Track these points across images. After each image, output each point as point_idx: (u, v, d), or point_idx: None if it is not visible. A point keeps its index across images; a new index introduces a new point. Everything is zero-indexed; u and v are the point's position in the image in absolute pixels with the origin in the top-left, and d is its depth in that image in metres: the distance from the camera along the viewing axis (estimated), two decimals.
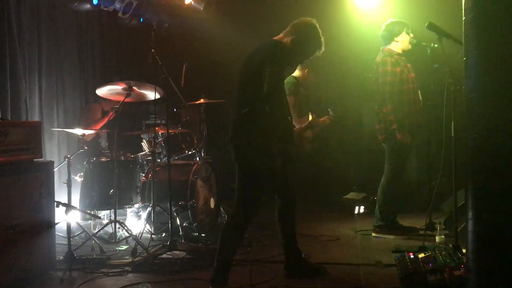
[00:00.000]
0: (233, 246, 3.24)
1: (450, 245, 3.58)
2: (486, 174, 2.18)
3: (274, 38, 3.38)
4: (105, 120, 5.52)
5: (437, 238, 4.29)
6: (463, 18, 2.27)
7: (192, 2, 6.44)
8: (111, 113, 5.45)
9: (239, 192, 3.21)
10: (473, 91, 2.16)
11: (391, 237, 4.66)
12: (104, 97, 5.00)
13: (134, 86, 4.73)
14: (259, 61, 3.16)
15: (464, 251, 3.18)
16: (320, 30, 3.41)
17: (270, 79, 3.04)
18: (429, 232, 4.48)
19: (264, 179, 3.18)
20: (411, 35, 4.71)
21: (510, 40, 2.05)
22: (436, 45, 4.45)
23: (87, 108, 5.93)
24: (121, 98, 4.72)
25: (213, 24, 6.74)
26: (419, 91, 4.73)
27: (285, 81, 5.82)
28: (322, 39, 3.41)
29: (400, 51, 4.73)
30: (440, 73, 4.29)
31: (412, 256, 3.47)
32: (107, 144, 5.66)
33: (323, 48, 3.44)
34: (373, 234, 4.77)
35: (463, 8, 2.28)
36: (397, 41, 4.71)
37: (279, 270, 3.64)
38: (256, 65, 3.17)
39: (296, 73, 5.45)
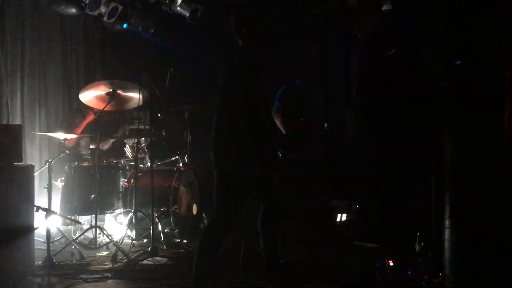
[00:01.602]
0: (211, 253, 3.24)
1: (429, 253, 3.62)
2: (462, 185, 2.23)
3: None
4: (84, 123, 5.43)
5: (417, 247, 4.33)
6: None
7: (178, 8, 6.44)
8: (91, 115, 5.37)
9: (217, 199, 3.24)
10: (450, 101, 2.21)
11: (372, 245, 4.70)
12: (87, 103, 4.96)
13: (118, 88, 4.71)
14: (227, 72, 3.25)
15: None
16: (246, 9, 3.38)
17: (244, 87, 3.08)
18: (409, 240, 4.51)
19: (240, 187, 3.20)
20: None
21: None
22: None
23: (67, 115, 5.86)
24: (104, 104, 4.69)
25: (198, 31, 6.76)
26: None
27: None
28: (254, 13, 3.38)
29: None
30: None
31: (392, 264, 3.50)
32: (88, 152, 5.58)
33: (262, 19, 3.41)
34: (355, 242, 4.80)
35: None
36: None
37: (260, 278, 3.64)
38: (225, 76, 3.26)
39: None
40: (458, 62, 2.11)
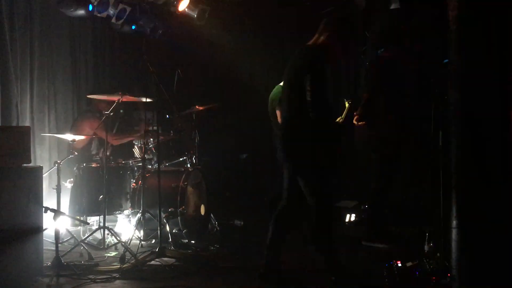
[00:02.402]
0: (330, 232, 3.42)
1: (438, 254, 3.59)
2: (470, 184, 2.20)
3: (308, 43, 3.50)
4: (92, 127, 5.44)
5: (426, 247, 4.29)
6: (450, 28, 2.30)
7: (186, 9, 6.46)
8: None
9: (308, 186, 3.37)
10: (456, 102, 2.19)
11: (381, 245, 4.67)
12: (97, 98, 4.97)
13: (125, 98, 4.74)
14: (298, 69, 3.33)
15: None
16: (352, 21, 3.59)
17: (312, 86, 3.19)
18: (418, 241, 4.48)
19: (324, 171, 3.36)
20: None
21: (492, 53, 2.08)
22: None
23: (83, 116, 5.88)
24: (113, 99, 4.71)
25: (206, 31, 6.77)
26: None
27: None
28: (355, 30, 3.65)
29: None
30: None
31: (400, 265, 3.48)
32: (99, 151, 5.61)
33: (357, 39, 3.59)
34: (363, 242, 4.77)
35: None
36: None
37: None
38: (296, 74, 3.34)
39: None
40: (446, 61, 2.10)
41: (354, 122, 4.62)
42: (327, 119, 3.36)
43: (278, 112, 5.35)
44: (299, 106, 3.30)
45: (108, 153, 4.79)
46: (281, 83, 5.38)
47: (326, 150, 3.32)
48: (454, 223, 2.29)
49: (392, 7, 6.18)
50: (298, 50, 3.49)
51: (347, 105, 4.55)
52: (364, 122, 4.63)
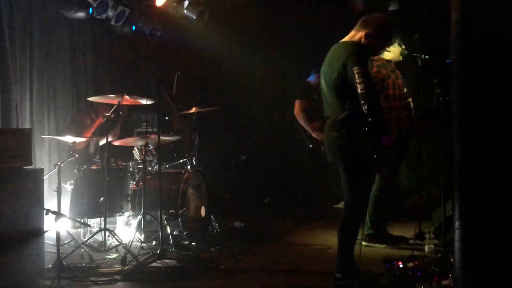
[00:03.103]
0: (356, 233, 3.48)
1: (439, 255, 3.60)
2: (472, 184, 2.21)
3: (344, 39, 3.48)
4: (95, 126, 5.48)
5: (427, 248, 4.30)
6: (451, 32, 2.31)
7: (185, 11, 6.47)
8: (101, 118, 5.41)
9: (350, 183, 3.39)
10: (458, 102, 2.20)
11: (381, 246, 4.67)
12: (96, 101, 4.99)
13: (125, 100, 4.74)
14: (342, 65, 3.25)
15: (452, 260, 3.21)
16: (390, 22, 3.54)
17: (361, 78, 3.13)
18: (418, 242, 4.49)
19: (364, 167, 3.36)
20: (403, 46, 4.75)
21: (495, 54, 2.09)
22: (427, 57, 4.51)
23: (76, 116, 5.91)
24: (113, 102, 4.71)
25: (205, 33, 6.78)
26: (410, 99, 4.75)
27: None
28: (392, 31, 3.60)
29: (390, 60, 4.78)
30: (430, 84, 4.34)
31: (401, 265, 3.48)
32: (98, 151, 5.63)
33: (393, 40, 3.72)
34: (363, 243, 4.77)
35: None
36: (389, 51, 4.75)
37: (268, 279, 3.65)
38: (341, 69, 3.26)
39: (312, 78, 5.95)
40: (448, 61, 2.11)
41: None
42: (382, 110, 3.39)
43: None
44: (347, 104, 3.25)
45: (106, 154, 4.78)
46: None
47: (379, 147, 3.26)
48: (456, 223, 2.29)
49: (391, 9, 6.22)
50: (333, 48, 3.46)
51: None
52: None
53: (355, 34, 3.45)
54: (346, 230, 3.43)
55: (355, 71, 3.15)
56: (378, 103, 3.35)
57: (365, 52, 3.36)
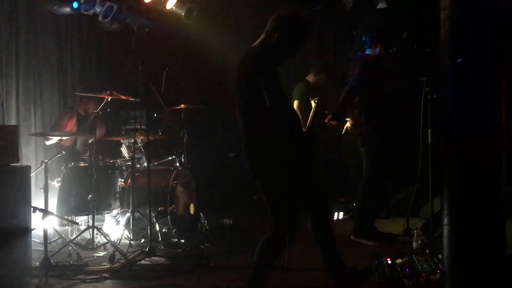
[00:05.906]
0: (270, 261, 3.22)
1: (427, 251, 3.63)
2: (461, 181, 2.23)
3: (254, 44, 3.20)
4: (68, 126, 5.38)
5: (415, 244, 4.34)
6: (441, 28, 2.32)
7: (174, 8, 6.43)
8: (75, 118, 5.34)
9: (271, 207, 3.08)
10: (448, 99, 2.21)
11: (369, 242, 4.70)
12: (83, 95, 4.94)
13: (114, 95, 4.70)
14: (249, 75, 3.05)
15: (440, 256, 3.23)
16: (302, 17, 3.16)
17: (268, 89, 2.91)
18: (406, 238, 4.53)
19: (283, 187, 3.03)
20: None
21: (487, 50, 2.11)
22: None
23: (59, 114, 5.84)
24: (101, 97, 4.68)
25: (194, 30, 6.75)
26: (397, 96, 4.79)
27: (297, 86, 5.98)
28: (306, 27, 3.17)
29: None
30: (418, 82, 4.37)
31: (390, 262, 3.50)
32: (85, 147, 5.57)
33: (309, 36, 3.24)
34: (352, 237, 4.80)
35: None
36: (377, 47, 4.76)
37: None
38: (247, 80, 3.07)
39: (310, 77, 5.93)
40: (459, 60, 2.10)
41: (326, 121, 4.59)
42: (295, 125, 3.02)
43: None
44: (258, 116, 3.02)
45: (93, 151, 4.74)
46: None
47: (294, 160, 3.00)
48: (445, 220, 2.31)
49: (379, 6, 6.24)
50: (243, 55, 3.17)
51: (313, 104, 4.58)
52: (336, 122, 4.60)
53: (266, 37, 3.13)
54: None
55: (262, 82, 2.93)
56: (292, 118, 3.01)
57: (273, 58, 3.06)
